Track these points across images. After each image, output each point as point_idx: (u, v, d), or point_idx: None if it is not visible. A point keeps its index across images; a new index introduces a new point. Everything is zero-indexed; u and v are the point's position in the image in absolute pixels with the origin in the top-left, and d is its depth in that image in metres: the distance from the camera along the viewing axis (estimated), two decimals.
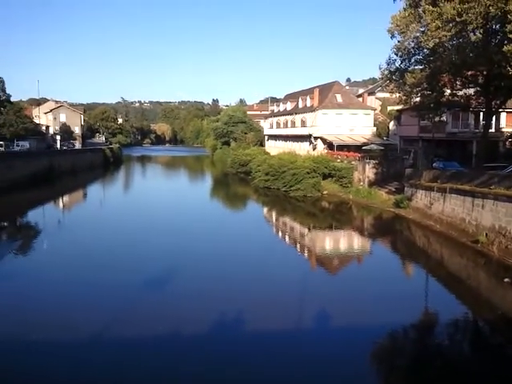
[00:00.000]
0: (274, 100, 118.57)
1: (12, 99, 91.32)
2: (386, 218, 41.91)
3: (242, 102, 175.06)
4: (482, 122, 44.56)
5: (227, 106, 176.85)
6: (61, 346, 15.82)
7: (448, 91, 38.14)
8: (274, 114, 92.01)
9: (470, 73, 36.04)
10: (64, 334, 16.51)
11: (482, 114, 44.42)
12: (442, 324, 19.07)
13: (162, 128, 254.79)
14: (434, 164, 44.82)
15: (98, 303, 19.73)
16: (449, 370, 14.99)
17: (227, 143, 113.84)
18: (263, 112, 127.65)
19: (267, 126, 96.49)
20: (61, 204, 54.28)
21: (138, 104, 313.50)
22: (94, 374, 14.08)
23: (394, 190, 46.83)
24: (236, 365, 14.82)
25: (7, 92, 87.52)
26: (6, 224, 39.50)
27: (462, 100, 39.30)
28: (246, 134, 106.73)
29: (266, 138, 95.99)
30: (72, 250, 29.49)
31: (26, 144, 76.25)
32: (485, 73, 34.98)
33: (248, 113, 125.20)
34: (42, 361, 14.80)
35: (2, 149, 66.29)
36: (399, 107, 55.50)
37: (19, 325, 17.16)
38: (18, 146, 73.50)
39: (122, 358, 15.02)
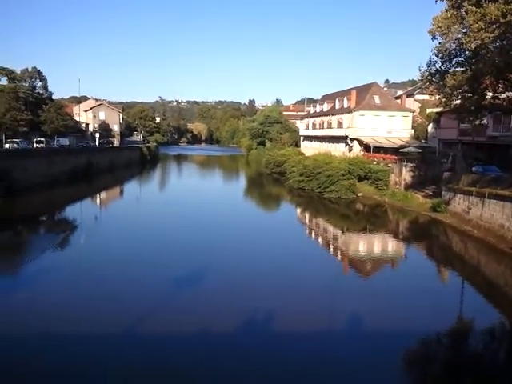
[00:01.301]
0: (311, 101, 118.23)
1: (54, 97, 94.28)
2: (422, 222, 41.20)
3: (278, 102, 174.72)
4: None
5: (263, 106, 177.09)
6: (91, 338, 16.12)
7: (490, 94, 37.16)
8: (310, 115, 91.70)
9: None
10: (92, 327, 16.82)
11: None
12: (478, 332, 18.64)
13: (198, 127, 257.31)
14: (473, 168, 43.79)
15: (128, 297, 20.02)
16: (483, 378, 14.66)
17: (263, 143, 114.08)
18: (299, 113, 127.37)
19: (303, 127, 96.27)
20: (98, 200, 55.36)
21: (175, 103, 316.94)
22: (119, 366, 14.38)
23: (431, 193, 46.02)
24: (262, 362, 14.84)
25: (49, 90, 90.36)
26: (45, 218, 40.59)
27: (504, 103, 38.23)
28: (281, 134, 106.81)
29: (302, 138, 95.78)
30: (106, 245, 30.16)
31: (65, 141, 78.08)
32: None
33: (284, 113, 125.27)
34: (76, 352, 15.11)
35: (43, 145, 67.99)
36: (438, 109, 54.41)
37: (55, 317, 17.64)
38: (58, 142, 75.30)
39: (150, 351, 15.22)
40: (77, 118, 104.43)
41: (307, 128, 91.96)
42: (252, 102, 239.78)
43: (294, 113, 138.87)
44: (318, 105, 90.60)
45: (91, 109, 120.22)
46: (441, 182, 43.86)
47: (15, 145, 60.76)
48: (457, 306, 21.47)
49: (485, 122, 44.95)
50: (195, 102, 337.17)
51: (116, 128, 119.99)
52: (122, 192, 64.80)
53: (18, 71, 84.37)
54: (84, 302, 19.41)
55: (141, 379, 13.74)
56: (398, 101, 73.89)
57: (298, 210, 51.68)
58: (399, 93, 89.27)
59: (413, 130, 68.04)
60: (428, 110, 71.42)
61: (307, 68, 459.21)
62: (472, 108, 37.37)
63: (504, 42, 29.95)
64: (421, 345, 17.03)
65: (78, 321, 17.23)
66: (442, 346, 17.63)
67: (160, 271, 23.97)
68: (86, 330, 16.48)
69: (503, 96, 37.50)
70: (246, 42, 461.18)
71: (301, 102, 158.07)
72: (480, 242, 31.95)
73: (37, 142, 68.12)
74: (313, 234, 39.50)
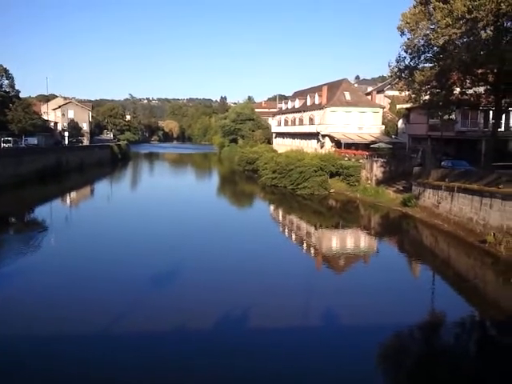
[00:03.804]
0: (283, 97, 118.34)
1: (21, 95, 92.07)
2: (393, 217, 41.65)
3: (250, 99, 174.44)
4: (491, 121, 44.12)
5: (235, 103, 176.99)
6: (71, 339, 15.77)
7: (457, 89, 37.78)
8: (281, 112, 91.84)
9: (480, 71, 35.63)
10: (70, 328, 16.46)
11: (491, 112, 43.97)
12: (449, 324, 18.89)
13: (169, 125, 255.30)
14: (443, 163, 44.43)
15: (104, 297, 19.70)
16: (454, 370, 14.83)
17: (235, 141, 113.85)
18: (271, 109, 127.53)
19: (275, 124, 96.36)
20: (68, 200, 54.33)
21: (146, 101, 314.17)
22: (101, 367, 14.08)
23: (401, 188, 46.55)
24: (241, 358, 14.74)
25: (16, 88, 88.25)
26: (13, 220, 39.64)
27: (471, 98, 38.96)
28: (253, 131, 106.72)
29: (274, 135, 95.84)
30: (78, 245, 29.55)
31: (34, 140, 76.50)
32: (495, 71, 34.61)
33: (256, 110, 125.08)
34: (57, 354, 14.79)
35: (11, 145, 66.48)
36: (408, 105, 55.10)
37: (35, 320, 17.21)
38: (26, 141, 73.74)
39: (130, 351, 14.99)
40: (45, 117, 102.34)
41: (279, 125, 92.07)
42: (224, 99, 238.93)
43: (266, 110, 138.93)
44: (289, 101, 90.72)
45: (60, 107, 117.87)
46: (411, 177, 44.40)
47: None
48: (428, 300, 21.66)
49: (453, 117, 45.73)
50: (166, 100, 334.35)
51: (85, 126, 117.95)
52: (92, 191, 63.70)
53: None
54: (60, 302, 19.10)
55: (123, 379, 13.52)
56: (369, 97, 74.52)
57: (272, 207, 51.67)
58: (370, 89, 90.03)
59: (383, 126, 68.74)
60: (398, 106, 72.38)
61: (279, 65, 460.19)
62: (440, 103, 37.94)
63: (471, 38, 30.45)
64: (394, 338, 17.18)
65: (54, 321, 16.94)
66: (414, 339, 17.80)
67: (133, 269, 23.73)
68: (64, 330, 16.17)
69: (470, 91, 38.23)
70: (217, 38, 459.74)
71: (273, 99, 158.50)
72: (450, 236, 32.41)
73: (4, 142, 66.60)
74: (286, 230, 39.53)
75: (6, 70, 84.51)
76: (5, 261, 25.40)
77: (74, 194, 59.00)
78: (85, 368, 13.96)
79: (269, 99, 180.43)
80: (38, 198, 50.94)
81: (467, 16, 27.99)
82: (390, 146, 58.77)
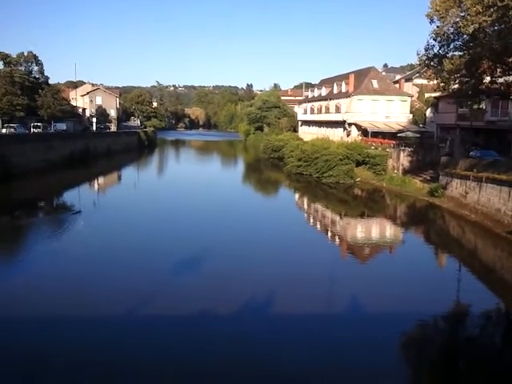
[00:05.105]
0: (309, 85, 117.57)
1: (50, 82, 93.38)
2: (419, 207, 41.34)
3: (276, 87, 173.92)
4: None
5: (261, 91, 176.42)
6: (93, 324, 16.24)
7: (487, 78, 37.03)
8: (308, 100, 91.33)
9: (510, 59, 34.90)
10: (96, 313, 16.99)
11: None
12: (474, 315, 18.80)
13: (195, 112, 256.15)
14: (471, 153, 43.81)
15: (128, 284, 20.03)
16: (478, 362, 14.84)
17: (260, 128, 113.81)
18: (297, 97, 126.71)
19: (301, 112, 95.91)
20: (96, 186, 55.35)
21: (172, 88, 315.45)
22: (122, 352, 14.56)
23: (428, 178, 46.09)
24: (263, 346, 15.00)
25: (45, 74, 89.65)
26: (43, 204, 40.60)
27: (501, 87, 38.12)
28: (279, 119, 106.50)
29: (300, 123, 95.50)
30: (106, 231, 30.26)
31: (63, 126, 77.76)
32: None
33: (282, 98, 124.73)
34: (77, 338, 15.25)
35: (40, 130, 67.69)
36: (437, 94, 54.25)
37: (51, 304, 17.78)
38: (55, 127, 75.03)
39: (151, 338, 15.38)
40: (73, 103, 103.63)
41: (305, 113, 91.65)
42: (250, 86, 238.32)
43: (292, 97, 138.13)
44: (316, 89, 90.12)
45: (88, 93, 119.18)
46: (438, 167, 43.92)
47: (12, 130, 60.55)
48: (454, 290, 21.59)
49: (483, 106, 44.88)
50: (193, 87, 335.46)
51: (113, 113, 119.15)
52: (119, 177, 64.71)
53: (14, 55, 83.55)
54: (85, 286, 19.54)
55: (144, 365, 13.86)
56: (397, 85, 73.54)
57: (297, 195, 51.74)
58: (398, 77, 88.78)
59: (411, 115, 67.89)
60: (426, 95, 71.19)
61: (305, 53, 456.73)
62: (470, 92, 37.29)
63: (502, 25, 29.78)
64: (418, 328, 17.21)
65: (79, 305, 17.35)
66: (439, 330, 17.79)
67: (159, 256, 24.13)
68: (89, 315, 16.66)
69: (501, 80, 37.36)
70: (243, 26, 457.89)
71: (299, 87, 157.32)
72: (477, 227, 32.10)
73: (34, 127, 67.84)
74: (311, 219, 39.59)
75: (35, 57, 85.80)
76: (31, 245, 26.19)
77: (101, 180, 60.07)
78: (105, 353, 14.51)
79: (295, 87, 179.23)
80: (66, 182, 52.02)
81: (498, 3, 27.40)
82: (418, 135, 58.04)
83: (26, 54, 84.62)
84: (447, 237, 32.82)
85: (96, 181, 58.22)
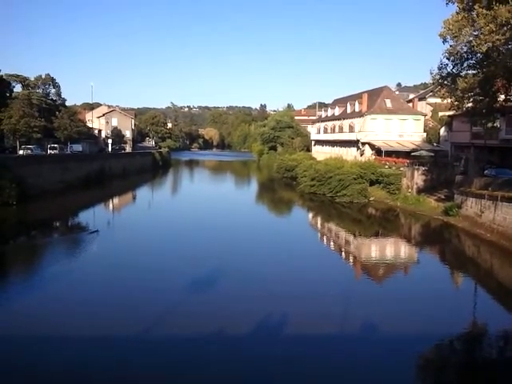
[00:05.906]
0: (322, 105, 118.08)
1: (67, 103, 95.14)
2: (434, 226, 40.96)
3: (289, 106, 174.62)
4: None
5: (275, 111, 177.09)
6: (108, 341, 16.33)
7: (502, 96, 36.88)
8: (321, 119, 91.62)
9: None
10: (111, 333, 17.06)
11: None
12: (491, 336, 18.49)
13: (209, 133, 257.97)
14: (486, 171, 43.50)
15: (143, 303, 20.09)
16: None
17: (274, 148, 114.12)
18: (311, 117, 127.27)
19: (314, 131, 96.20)
20: (111, 206, 55.75)
21: (187, 109, 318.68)
22: (137, 368, 14.50)
23: (443, 197, 45.74)
24: (277, 365, 14.87)
25: (62, 96, 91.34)
26: (59, 224, 40.94)
27: None
28: (292, 139, 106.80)
29: (313, 143, 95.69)
30: (120, 250, 30.43)
31: (79, 147, 78.74)
32: None
33: (295, 118, 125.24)
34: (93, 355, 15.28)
35: (57, 151, 68.57)
36: (450, 113, 54.14)
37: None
38: (71, 148, 76.00)
39: (166, 355, 15.33)
40: (89, 125, 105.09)
41: (318, 132, 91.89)
42: (263, 106, 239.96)
43: (306, 117, 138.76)
44: (329, 109, 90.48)
45: (104, 115, 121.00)
46: (453, 186, 43.61)
47: (29, 151, 61.35)
48: (470, 311, 21.30)
49: (497, 124, 44.57)
50: (207, 108, 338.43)
51: (128, 134, 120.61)
52: (134, 197, 65.16)
53: (32, 78, 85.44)
54: (101, 305, 19.65)
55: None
56: (410, 104, 73.51)
57: (310, 215, 51.61)
58: (411, 96, 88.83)
59: (425, 134, 67.70)
60: (440, 114, 71.03)
61: (318, 72, 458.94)
62: (484, 111, 37.07)
63: None
64: (435, 349, 16.95)
65: (94, 325, 17.45)
66: (455, 351, 17.53)
67: (173, 276, 24.18)
68: (103, 334, 16.73)
69: None
70: (257, 46, 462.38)
71: (312, 107, 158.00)
72: (493, 246, 31.70)
73: (50, 149, 68.70)
74: (325, 238, 39.42)
75: (53, 79, 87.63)
76: (47, 265, 26.40)
77: (116, 200, 60.45)
78: (121, 368, 14.48)
79: (308, 107, 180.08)
80: (82, 203, 52.51)
81: (511, 22, 27.43)
82: (432, 154, 57.81)
83: (43, 76, 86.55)
84: (463, 256, 32.43)
85: (111, 201, 58.64)
